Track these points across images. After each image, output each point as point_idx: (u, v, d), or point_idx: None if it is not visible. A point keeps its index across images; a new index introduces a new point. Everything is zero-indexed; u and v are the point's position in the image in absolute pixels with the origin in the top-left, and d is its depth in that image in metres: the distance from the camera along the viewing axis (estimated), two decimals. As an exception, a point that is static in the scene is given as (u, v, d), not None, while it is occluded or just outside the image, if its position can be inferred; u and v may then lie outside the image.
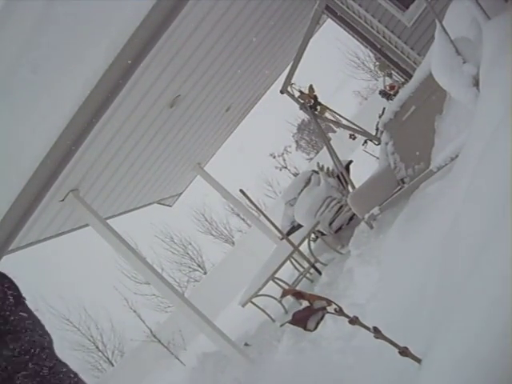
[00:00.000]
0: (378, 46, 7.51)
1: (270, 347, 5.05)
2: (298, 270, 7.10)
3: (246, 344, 5.98)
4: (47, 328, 2.49)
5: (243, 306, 6.78)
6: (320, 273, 6.44)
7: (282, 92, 5.90)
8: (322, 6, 5.53)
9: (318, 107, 6.04)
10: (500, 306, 1.06)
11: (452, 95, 3.56)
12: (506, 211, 1.37)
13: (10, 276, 2.49)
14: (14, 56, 3.96)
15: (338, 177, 7.48)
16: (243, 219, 21.94)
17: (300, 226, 7.96)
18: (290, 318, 1.47)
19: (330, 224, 7.35)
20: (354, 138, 8.48)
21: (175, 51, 5.14)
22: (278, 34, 7.46)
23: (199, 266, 22.55)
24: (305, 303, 1.49)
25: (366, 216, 4.84)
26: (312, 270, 6.78)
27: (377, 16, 6.63)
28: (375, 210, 4.76)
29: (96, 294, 18.75)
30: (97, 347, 19.61)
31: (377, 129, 6.42)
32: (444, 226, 2.30)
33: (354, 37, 8.07)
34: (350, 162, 7.90)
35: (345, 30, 7.67)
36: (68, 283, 20.37)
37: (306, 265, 6.82)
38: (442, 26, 3.39)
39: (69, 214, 6.09)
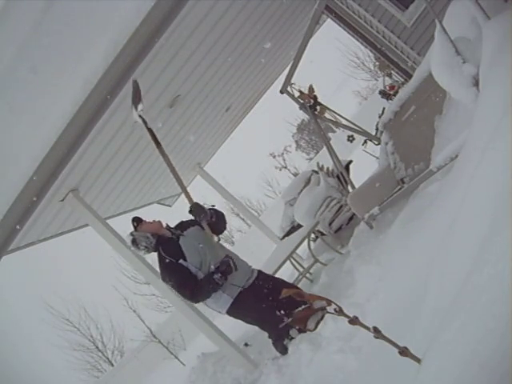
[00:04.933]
0: (378, 46, 7.51)
1: (269, 347, 5.03)
2: (297, 270, 7.10)
3: (246, 344, 5.96)
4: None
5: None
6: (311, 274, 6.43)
7: (281, 92, 5.90)
8: (322, 5, 5.53)
9: (318, 107, 6.03)
10: (500, 306, 1.06)
11: (452, 95, 3.56)
12: (505, 211, 1.37)
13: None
14: (13, 56, 3.96)
15: (337, 177, 7.48)
16: (243, 219, 21.93)
17: (300, 225, 7.95)
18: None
19: (330, 224, 7.35)
20: (352, 141, 8.46)
21: (175, 51, 5.13)
22: (277, 34, 7.45)
23: (199, 265, 22.48)
24: (305, 303, 1.49)
25: (366, 216, 4.83)
26: (312, 270, 6.77)
27: (376, 16, 6.64)
28: (375, 210, 4.75)
29: (96, 294, 18.74)
30: (97, 347, 19.59)
31: (377, 129, 6.41)
32: (444, 226, 2.30)
33: (353, 37, 8.07)
34: (350, 161, 7.90)
35: (345, 30, 7.67)
36: (68, 283, 20.37)
37: (306, 265, 6.81)
38: (442, 25, 3.39)
39: (69, 214, 6.08)
